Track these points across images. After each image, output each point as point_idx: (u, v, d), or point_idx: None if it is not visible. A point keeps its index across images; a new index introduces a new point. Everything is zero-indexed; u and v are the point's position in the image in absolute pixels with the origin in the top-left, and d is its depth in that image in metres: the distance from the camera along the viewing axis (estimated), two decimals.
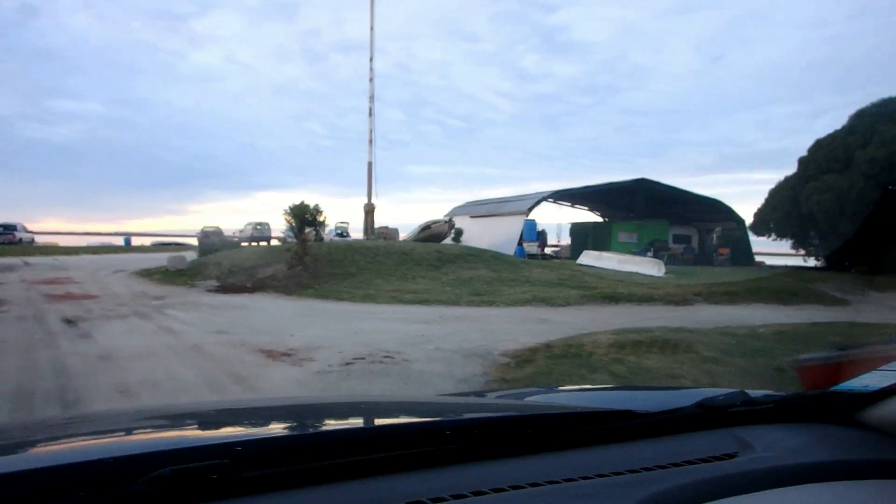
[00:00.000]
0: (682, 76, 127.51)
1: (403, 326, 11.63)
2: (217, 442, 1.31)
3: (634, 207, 43.14)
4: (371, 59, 28.72)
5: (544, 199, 37.00)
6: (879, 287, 21.56)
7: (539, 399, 2.36)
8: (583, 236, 42.91)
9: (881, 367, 1.78)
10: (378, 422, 1.84)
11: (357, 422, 1.89)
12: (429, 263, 21.00)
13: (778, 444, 1.53)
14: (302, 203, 21.04)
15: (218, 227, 56.84)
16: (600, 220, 50.31)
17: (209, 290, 18.45)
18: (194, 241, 62.51)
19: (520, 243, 35.22)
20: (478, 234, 34.43)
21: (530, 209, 36.36)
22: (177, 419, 1.81)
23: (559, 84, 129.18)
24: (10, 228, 50.82)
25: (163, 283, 20.74)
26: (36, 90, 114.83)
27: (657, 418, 1.61)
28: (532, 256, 31.71)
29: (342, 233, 51.34)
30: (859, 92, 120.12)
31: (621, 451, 1.47)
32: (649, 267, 23.77)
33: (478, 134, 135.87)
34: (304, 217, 21.00)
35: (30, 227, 58.10)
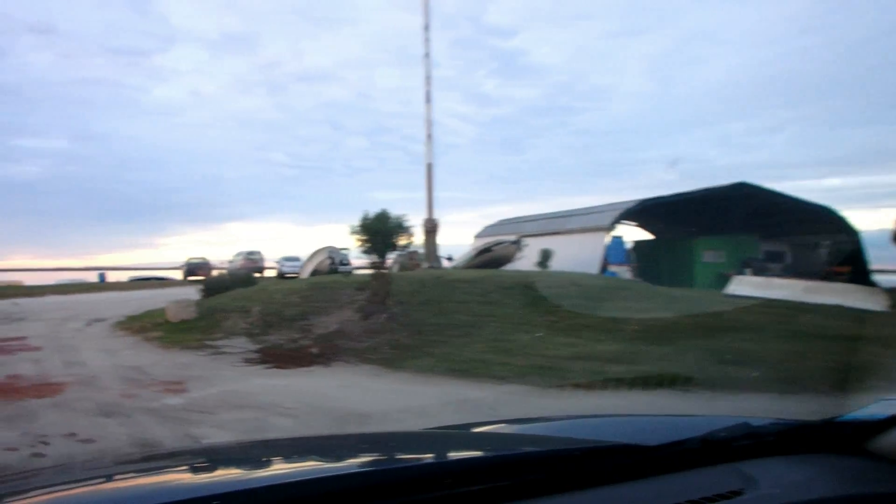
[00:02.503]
0: (637, 96, 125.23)
1: None
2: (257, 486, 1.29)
3: (701, 221, 36.65)
4: (426, 29, 22.03)
5: (629, 210, 30.19)
6: None
7: (541, 431, 2.20)
8: (652, 256, 36.20)
9: (885, 397, 1.73)
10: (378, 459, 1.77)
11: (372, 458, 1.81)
12: (574, 303, 13.95)
13: (784, 478, 1.48)
14: (383, 213, 13.70)
15: (204, 258, 49.43)
16: (650, 236, 43.72)
17: (251, 361, 11.20)
18: (175, 275, 54.85)
19: (605, 266, 28.35)
20: (532, 257, 27.50)
21: (614, 223, 29.44)
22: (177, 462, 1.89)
23: (519, 107, 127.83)
24: None
25: (165, 344, 13.42)
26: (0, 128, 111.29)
27: (660, 453, 1.54)
28: None
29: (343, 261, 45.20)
30: (814, 105, 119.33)
31: (624, 491, 1.40)
32: (859, 297, 16.94)
33: (440, 158, 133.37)
34: (387, 234, 13.60)
35: None
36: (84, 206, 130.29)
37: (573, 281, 16.10)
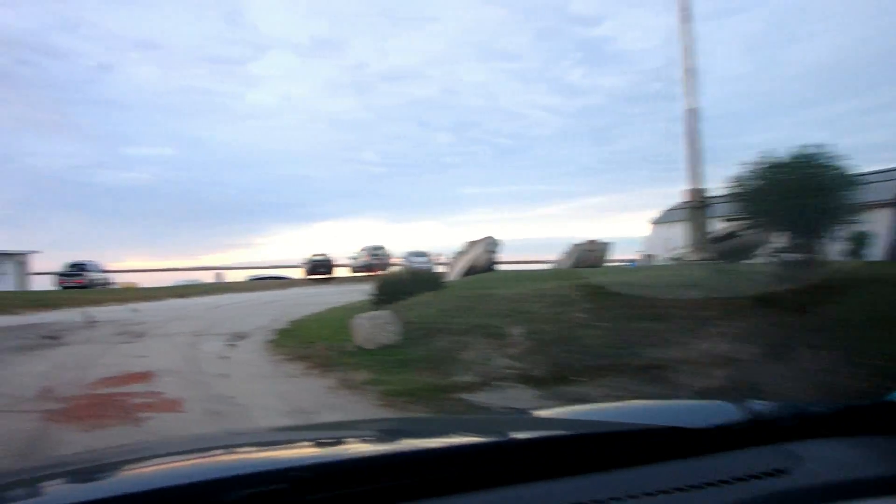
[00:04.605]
0: (734, 78, 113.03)
1: None
2: (285, 465, 1.38)
3: None
4: None
5: None
6: None
7: (585, 417, 2.21)
8: None
9: None
10: (437, 442, 1.78)
11: (423, 442, 1.83)
12: None
13: (831, 458, 1.47)
14: (810, 156, 7.03)
15: (326, 255, 45.03)
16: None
17: None
18: (291, 274, 50.86)
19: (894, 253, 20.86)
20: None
21: None
22: (240, 444, 1.97)
23: (607, 96, 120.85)
24: (80, 268, 39.80)
25: (389, 398, 7.56)
26: (112, 139, 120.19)
27: (706, 434, 1.55)
28: None
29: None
30: None
31: (671, 468, 1.43)
32: None
33: (526, 152, 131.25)
34: (825, 195, 6.89)
35: (113, 265, 47.58)
36: (186, 209, 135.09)
37: None
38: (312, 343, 11.78)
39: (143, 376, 9.49)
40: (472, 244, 29.20)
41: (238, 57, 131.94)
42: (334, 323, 14.51)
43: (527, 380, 7.70)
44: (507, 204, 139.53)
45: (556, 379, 7.44)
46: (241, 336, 14.09)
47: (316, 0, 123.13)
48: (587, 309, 9.09)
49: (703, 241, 15.82)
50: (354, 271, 43.86)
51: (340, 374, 8.96)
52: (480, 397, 7.34)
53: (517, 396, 7.27)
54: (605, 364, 7.52)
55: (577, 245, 27.37)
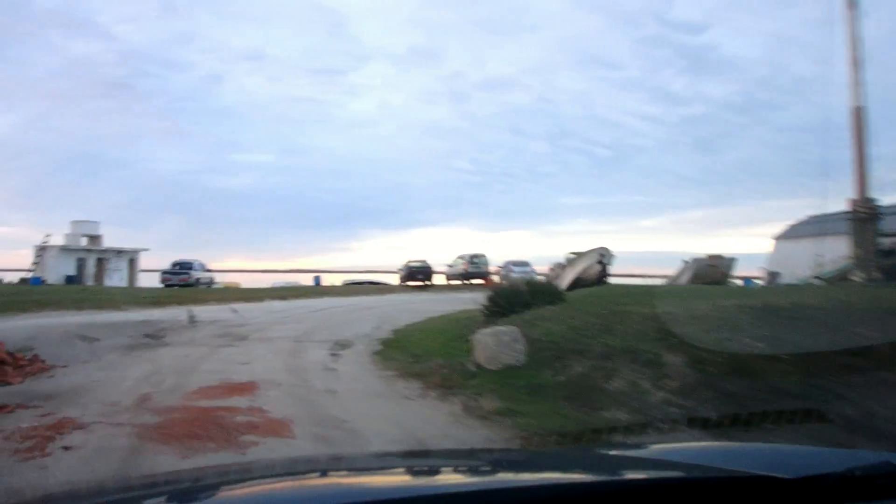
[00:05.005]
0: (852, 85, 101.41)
1: None
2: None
3: None
4: None
5: None
6: None
7: (671, 457, 2.01)
8: None
9: None
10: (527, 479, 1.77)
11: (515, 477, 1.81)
12: None
13: None
14: None
15: (425, 261, 44.21)
16: None
17: None
18: (386, 279, 50.52)
19: None
20: None
21: None
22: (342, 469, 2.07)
23: (711, 105, 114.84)
24: (185, 267, 41.09)
25: (529, 435, 6.31)
26: (220, 146, 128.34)
27: (798, 487, 1.42)
28: None
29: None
30: None
31: None
32: None
33: (625, 162, 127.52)
34: None
35: (215, 265, 48.86)
36: (285, 213, 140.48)
37: None
38: (423, 357, 10.70)
39: (246, 387, 8.65)
40: (580, 255, 27.49)
41: (340, 67, 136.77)
42: (441, 335, 13.52)
43: (696, 421, 6.23)
44: (605, 215, 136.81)
45: (735, 422, 5.94)
46: (344, 344, 13.23)
47: (414, 11, 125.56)
48: (763, 336, 7.48)
49: (871, 257, 13.49)
50: (449, 279, 42.88)
51: (464, 398, 7.74)
52: (642, 441, 5.94)
53: (686, 441, 5.83)
54: (798, 406, 5.96)
55: (696, 259, 25.25)
